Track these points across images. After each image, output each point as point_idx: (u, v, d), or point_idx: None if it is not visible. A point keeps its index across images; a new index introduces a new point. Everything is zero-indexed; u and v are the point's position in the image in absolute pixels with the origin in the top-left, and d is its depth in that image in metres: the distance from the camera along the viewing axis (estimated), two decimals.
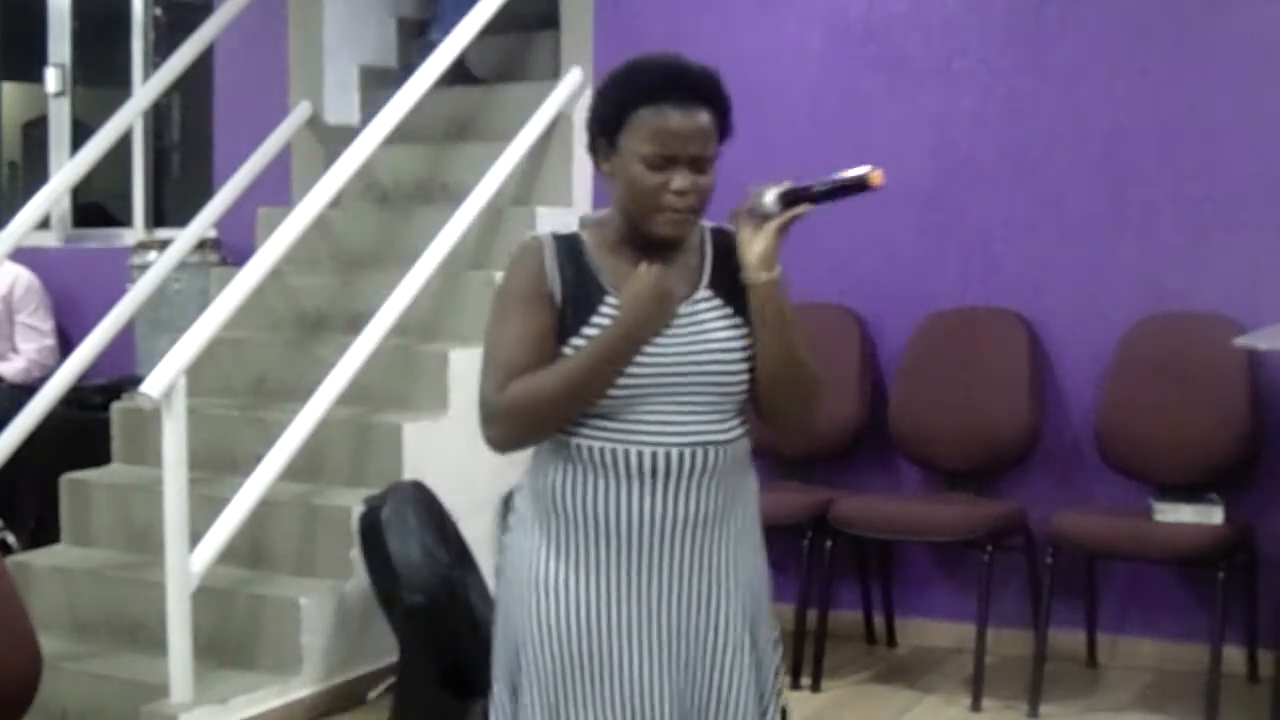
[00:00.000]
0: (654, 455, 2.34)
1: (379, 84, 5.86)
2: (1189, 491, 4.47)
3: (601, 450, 2.36)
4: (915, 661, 4.96)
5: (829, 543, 4.72)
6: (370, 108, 5.41)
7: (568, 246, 2.43)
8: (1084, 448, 4.86)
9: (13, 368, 6.26)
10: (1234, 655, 4.47)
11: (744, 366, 2.40)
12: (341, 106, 5.97)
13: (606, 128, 2.38)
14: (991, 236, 5.03)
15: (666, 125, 2.32)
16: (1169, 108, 4.80)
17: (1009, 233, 5.01)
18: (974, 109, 5.05)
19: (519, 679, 2.44)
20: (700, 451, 2.36)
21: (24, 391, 5.68)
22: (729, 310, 2.42)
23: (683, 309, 2.38)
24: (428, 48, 5.24)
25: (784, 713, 2.54)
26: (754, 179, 2.40)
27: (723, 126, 2.38)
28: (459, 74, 5.51)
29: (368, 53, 6.07)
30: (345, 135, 5.33)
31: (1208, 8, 4.76)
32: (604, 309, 2.37)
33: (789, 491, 4.91)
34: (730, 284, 2.42)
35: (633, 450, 2.34)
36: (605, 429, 2.36)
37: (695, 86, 2.36)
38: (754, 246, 2.38)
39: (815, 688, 4.63)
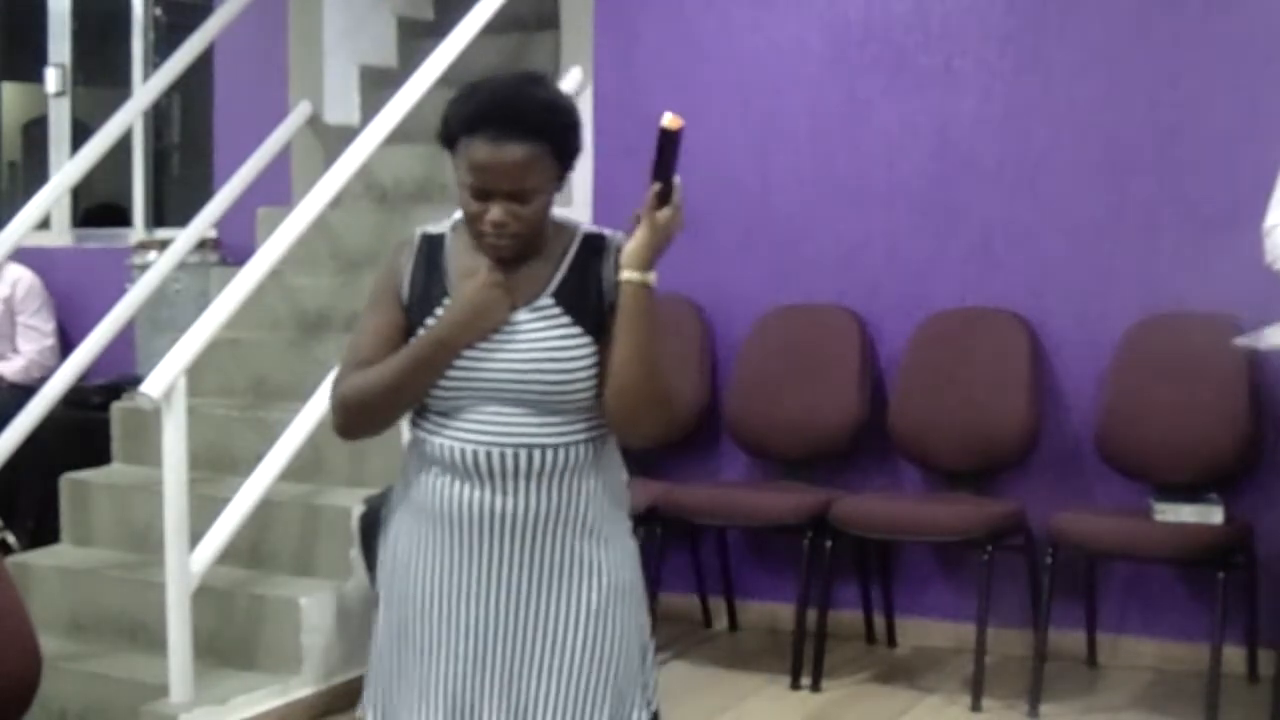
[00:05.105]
0: (483, 454, 2.37)
1: (379, 84, 5.86)
2: (1189, 491, 4.47)
3: (440, 445, 2.40)
4: (915, 661, 4.96)
5: (829, 543, 4.72)
6: (370, 108, 5.40)
7: (429, 246, 2.48)
8: (1084, 448, 4.86)
9: (12, 367, 6.26)
10: (1234, 655, 4.47)
11: (579, 375, 2.38)
12: (341, 106, 5.97)
13: (446, 146, 2.40)
14: (991, 237, 5.03)
15: (479, 159, 2.32)
16: (1169, 108, 4.80)
17: (1009, 233, 5.01)
18: (974, 109, 5.05)
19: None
20: (525, 453, 2.37)
21: (24, 391, 5.68)
22: (567, 320, 2.39)
23: (516, 316, 2.39)
24: None
25: (655, 716, 2.51)
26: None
27: (562, 154, 2.36)
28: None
29: (368, 53, 6.07)
30: (345, 135, 5.32)
31: (1208, 8, 4.76)
32: (439, 310, 2.41)
33: (789, 491, 4.92)
34: (577, 293, 2.41)
35: (460, 447, 2.38)
36: (444, 425, 2.40)
37: (514, 120, 2.30)
38: (626, 244, 2.39)
39: (815, 688, 4.63)
